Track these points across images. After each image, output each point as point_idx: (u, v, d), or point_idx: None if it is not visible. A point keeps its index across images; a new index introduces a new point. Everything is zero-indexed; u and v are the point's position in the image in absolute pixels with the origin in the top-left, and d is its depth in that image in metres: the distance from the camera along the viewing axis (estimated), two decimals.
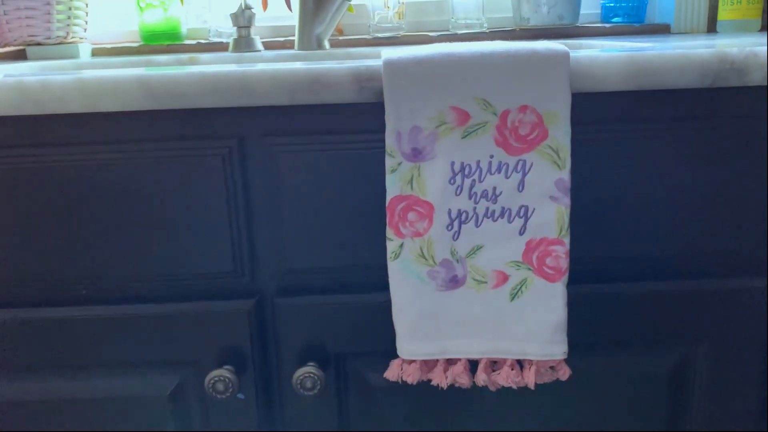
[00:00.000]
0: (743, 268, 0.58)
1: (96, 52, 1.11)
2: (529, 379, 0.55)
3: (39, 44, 1.06)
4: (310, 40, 0.99)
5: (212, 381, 0.56)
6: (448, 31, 1.13)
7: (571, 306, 0.54)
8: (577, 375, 0.57)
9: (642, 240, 0.57)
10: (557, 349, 0.54)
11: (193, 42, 1.11)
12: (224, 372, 0.57)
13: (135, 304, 0.58)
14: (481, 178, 0.52)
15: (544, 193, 0.52)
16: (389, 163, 0.52)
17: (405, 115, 0.51)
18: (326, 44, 1.00)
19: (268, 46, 1.07)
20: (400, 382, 0.56)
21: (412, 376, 0.56)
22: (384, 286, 0.54)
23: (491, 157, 0.52)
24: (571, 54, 0.51)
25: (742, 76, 0.52)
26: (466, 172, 0.52)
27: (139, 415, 0.60)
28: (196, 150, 0.55)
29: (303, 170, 0.55)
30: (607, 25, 1.12)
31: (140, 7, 1.11)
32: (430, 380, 0.56)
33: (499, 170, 0.52)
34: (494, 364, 0.56)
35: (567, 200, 0.52)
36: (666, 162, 0.55)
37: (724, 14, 1.04)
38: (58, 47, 1.07)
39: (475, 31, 1.10)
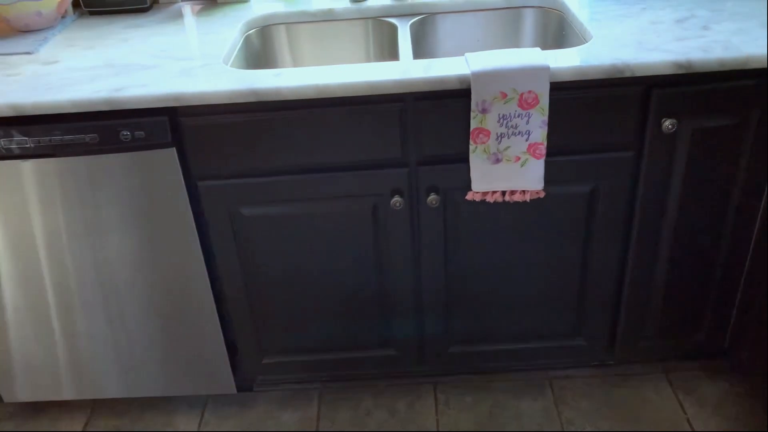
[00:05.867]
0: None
1: None
2: (527, 197, 1.33)
3: None
4: None
5: (395, 202, 1.34)
6: None
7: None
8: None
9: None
10: (540, 186, 1.32)
11: None
12: (397, 198, 1.34)
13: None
14: (511, 119, 1.25)
15: (537, 125, 1.25)
16: (472, 114, 1.24)
17: (479, 96, 1.22)
18: None
19: None
20: (472, 200, 1.34)
21: (477, 198, 1.34)
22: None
23: (515, 111, 1.24)
24: (550, 66, 1.21)
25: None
26: (505, 117, 1.25)
27: (354, 222, 1.39)
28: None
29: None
30: None
31: None
32: (485, 199, 1.34)
33: (519, 116, 1.24)
34: (512, 193, 1.34)
35: (546, 128, 1.25)
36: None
37: None
38: None
39: None
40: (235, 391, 1.64)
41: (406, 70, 1.25)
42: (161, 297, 1.49)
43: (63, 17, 1.63)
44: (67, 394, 1.65)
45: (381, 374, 1.73)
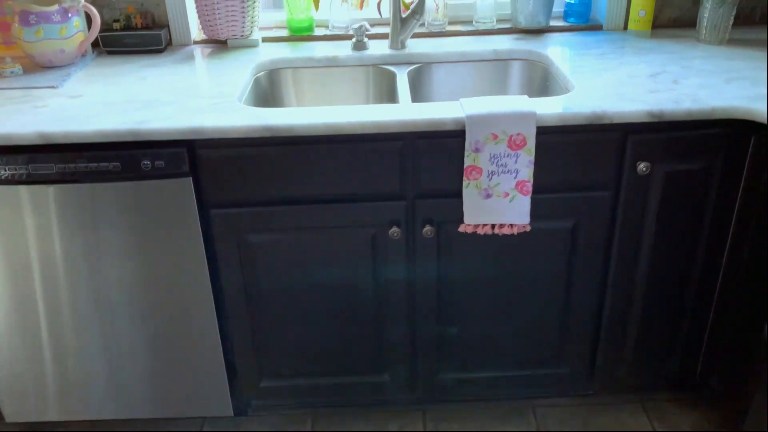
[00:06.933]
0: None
1: (264, 40, 1.86)
2: (514, 231, 1.45)
3: (236, 38, 1.82)
4: (397, 43, 1.77)
5: (393, 232, 1.45)
6: (472, 25, 1.90)
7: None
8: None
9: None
10: (527, 221, 1.43)
11: (321, 34, 1.87)
12: (395, 228, 1.45)
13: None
14: (501, 159, 1.37)
15: (524, 164, 1.38)
16: (466, 153, 1.36)
17: (473, 137, 1.35)
18: (407, 44, 1.78)
19: (369, 35, 1.83)
20: (464, 232, 1.45)
21: (469, 230, 1.45)
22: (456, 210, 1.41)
23: (505, 151, 1.36)
24: (537, 112, 1.34)
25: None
26: (496, 156, 1.37)
27: (354, 250, 1.49)
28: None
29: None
30: (565, 24, 1.89)
31: (291, 11, 1.85)
32: (476, 231, 1.45)
33: (508, 156, 1.37)
34: (501, 226, 1.45)
35: (532, 167, 1.38)
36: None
37: (631, 25, 1.82)
38: (246, 39, 1.83)
39: (488, 28, 1.87)
40: (232, 413, 1.70)
41: (406, 112, 1.38)
42: (163, 320, 1.56)
43: (83, 55, 1.75)
44: (57, 416, 1.70)
45: (372, 401, 1.81)
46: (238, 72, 1.64)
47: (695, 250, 1.53)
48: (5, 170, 1.37)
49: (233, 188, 1.41)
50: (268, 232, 1.47)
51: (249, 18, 1.80)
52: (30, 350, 1.60)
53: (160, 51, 1.81)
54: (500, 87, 1.80)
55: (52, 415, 1.70)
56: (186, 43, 1.86)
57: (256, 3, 1.81)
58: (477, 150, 1.36)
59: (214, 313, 1.55)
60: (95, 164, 1.36)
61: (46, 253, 1.47)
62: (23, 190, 1.39)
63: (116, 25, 1.80)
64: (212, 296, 1.53)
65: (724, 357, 1.62)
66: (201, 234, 1.46)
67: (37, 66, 1.68)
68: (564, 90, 1.56)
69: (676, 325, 1.64)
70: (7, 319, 1.55)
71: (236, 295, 1.55)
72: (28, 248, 1.47)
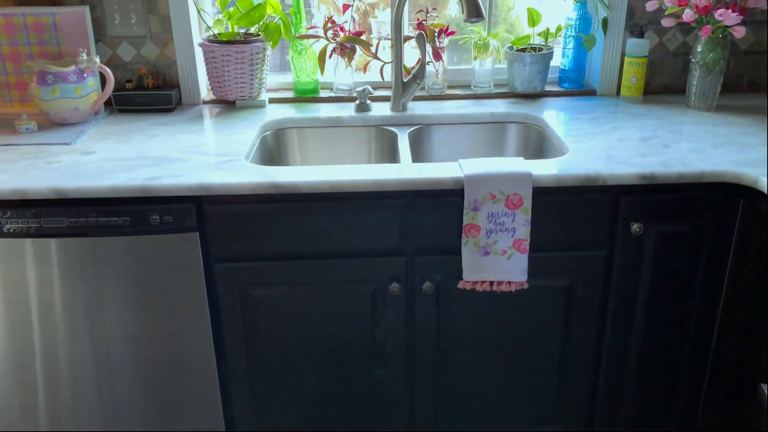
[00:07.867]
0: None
1: (271, 101, 1.94)
2: (512, 288, 1.48)
3: (244, 99, 1.90)
4: (398, 105, 1.84)
5: (393, 288, 1.48)
6: (470, 89, 1.98)
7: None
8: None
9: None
10: (524, 278, 1.47)
11: (325, 95, 1.95)
12: (395, 284, 1.48)
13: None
14: (499, 218, 1.42)
15: (521, 223, 1.42)
16: (465, 212, 1.41)
17: (471, 196, 1.40)
18: (408, 106, 1.85)
19: (372, 98, 1.90)
20: (463, 288, 1.49)
21: (467, 286, 1.49)
22: (453, 268, 1.45)
23: (503, 210, 1.41)
24: (533, 173, 1.39)
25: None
26: (494, 215, 1.42)
27: (354, 305, 1.52)
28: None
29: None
30: (560, 89, 1.97)
31: (297, 74, 1.93)
32: (474, 288, 1.49)
33: (505, 215, 1.42)
34: (499, 283, 1.49)
35: (529, 226, 1.42)
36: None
37: (623, 91, 1.90)
38: (254, 100, 1.90)
39: (485, 92, 1.95)
40: None
41: (407, 171, 1.43)
42: (162, 373, 1.57)
43: (96, 113, 1.81)
44: None
45: None
46: (246, 131, 1.71)
47: (689, 309, 1.57)
48: (18, 223, 1.41)
49: (238, 243, 1.45)
50: (270, 286, 1.51)
51: (257, 80, 1.88)
52: (25, 402, 1.60)
53: (170, 110, 1.87)
54: (497, 148, 1.86)
55: None
56: (195, 102, 1.93)
57: (264, 66, 1.89)
58: (475, 209, 1.41)
59: (215, 366, 1.57)
60: (105, 218, 1.40)
61: (46, 304, 1.49)
62: (28, 242, 1.43)
63: (129, 85, 1.88)
64: (214, 350, 1.55)
65: (721, 416, 1.63)
66: (205, 288, 1.49)
67: (51, 123, 1.75)
68: (559, 152, 1.62)
69: (672, 384, 1.65)
70: (3, 369, 1.56)
71: (237, 349, 1.56)
72: (28, 299, 1.49)
